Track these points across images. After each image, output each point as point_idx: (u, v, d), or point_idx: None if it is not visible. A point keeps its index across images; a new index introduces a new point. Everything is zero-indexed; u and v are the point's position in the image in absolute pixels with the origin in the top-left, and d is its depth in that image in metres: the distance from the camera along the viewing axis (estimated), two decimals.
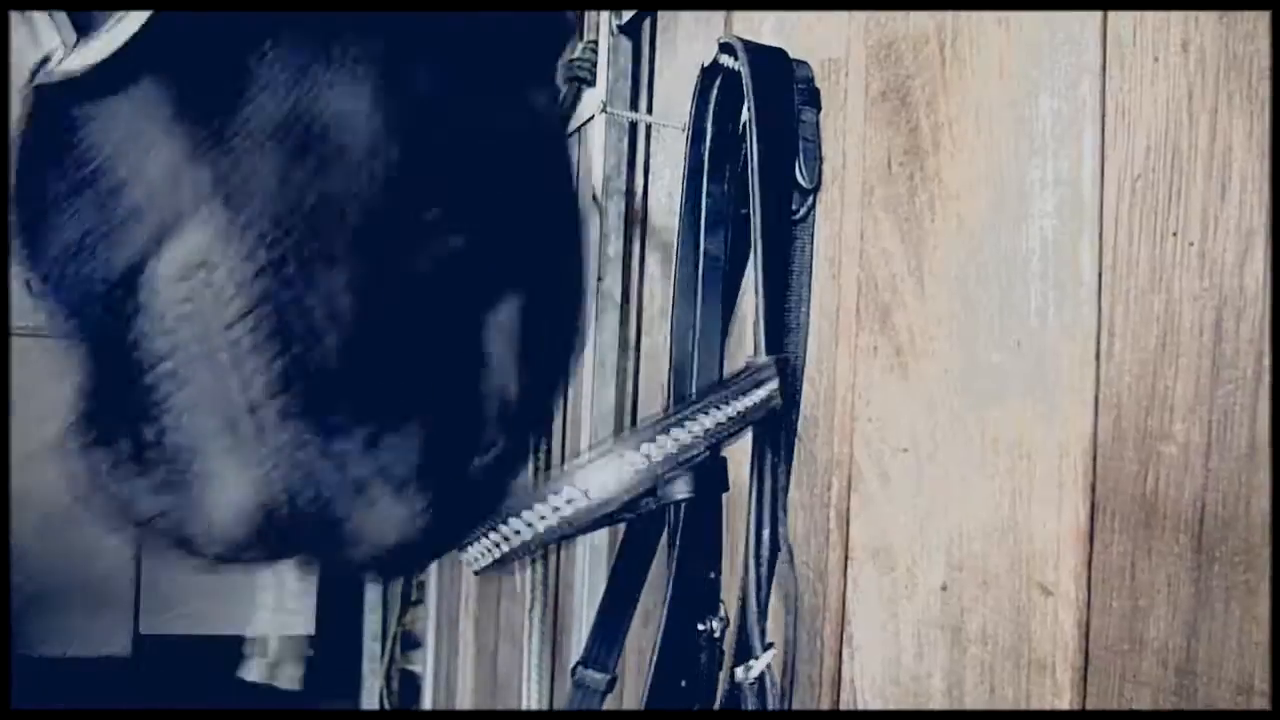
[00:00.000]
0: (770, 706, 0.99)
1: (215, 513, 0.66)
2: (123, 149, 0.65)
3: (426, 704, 3.84)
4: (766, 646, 1.00)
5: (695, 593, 1.05)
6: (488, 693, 2.77)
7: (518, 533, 0.65)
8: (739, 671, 1.01)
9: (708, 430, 0.67)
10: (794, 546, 1.06)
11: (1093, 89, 0.79)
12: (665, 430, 0.66)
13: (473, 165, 0.70)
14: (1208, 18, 0.70)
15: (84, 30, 0.63)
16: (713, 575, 1.06)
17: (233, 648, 5.35)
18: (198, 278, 0.64)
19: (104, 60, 0.62)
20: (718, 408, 0.69)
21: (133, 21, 0.61)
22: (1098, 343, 0.78)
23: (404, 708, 4.35)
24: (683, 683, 1.06)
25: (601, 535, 1.66)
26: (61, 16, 0.62)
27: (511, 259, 0.71)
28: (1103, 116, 0.78)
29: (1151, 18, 0.74)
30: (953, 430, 0.92)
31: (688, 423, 0.67)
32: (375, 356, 0.67)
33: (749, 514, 1.03)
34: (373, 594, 4.24)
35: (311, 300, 0.65)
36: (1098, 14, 0.78)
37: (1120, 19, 0.77)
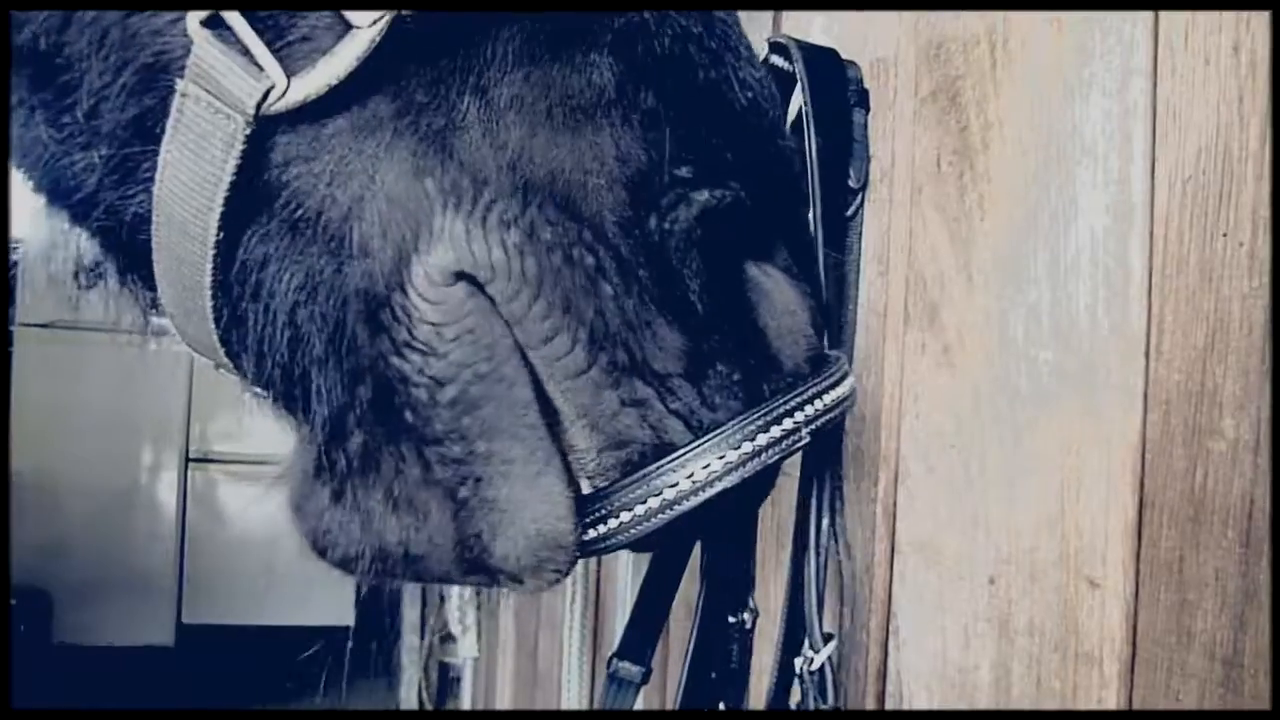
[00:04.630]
0: (830, 697, 1.01)
1: (530, 530, 0.63)
2: (343, 178, 0.63)
3: (466, 696, 3.88)
4: (827, 638, 1.02)
5: (731, 586, 1.06)
6: (528, 685, 2.79)
7: (636, 518, 0.66)
8: (798, 662, 1.02)
9: (808, 417, 0.68)
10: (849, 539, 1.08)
11: (1144, 91, 0.80)
12: (776, 419, 0.67)
13: (716, 124, 0.69)
14: (1259, 21, 0.71)
15: (291, 70, 0.61)
16: (746, 568, 1.08)
17: (273, 637, 5.41)
18: (462, 289, 0.62)
19: (332, 85, 0.60)
20: (820, 397, 0.70)
21: (360, 42, 0.60)
22: (1147, 340, 0.79)
23: (441, 700, 4.40)
24: (712, 675, 1.07)
25: None
26: (267, 56, 0.60)
27: (764, 210, 0.70)
28: (1153, 118, 0.79)
29: (1203, 20, 0.75)
30: (999, 426, 0.93)
31: (796, 411, 0.68)
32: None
33: (807, 505, 1.05)
34: (411, 587, 4.25)
35: (604, 293, 0.63)
36: (1148, 15, 0.79)
37: (1172, 21, 0.78)
